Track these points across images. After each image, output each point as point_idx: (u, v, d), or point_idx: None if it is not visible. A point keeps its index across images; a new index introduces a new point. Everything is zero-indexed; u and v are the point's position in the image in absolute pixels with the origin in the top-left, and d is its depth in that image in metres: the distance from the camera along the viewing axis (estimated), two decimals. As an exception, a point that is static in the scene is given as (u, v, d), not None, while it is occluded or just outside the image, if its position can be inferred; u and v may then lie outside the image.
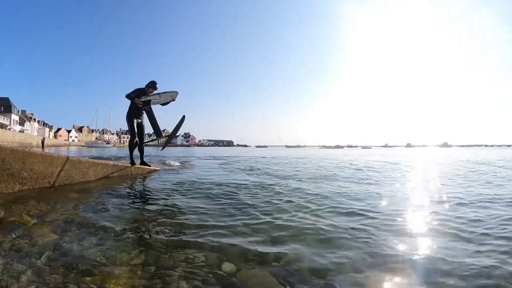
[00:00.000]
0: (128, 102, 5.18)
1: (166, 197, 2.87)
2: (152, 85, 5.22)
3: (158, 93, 5.04)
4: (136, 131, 5.22)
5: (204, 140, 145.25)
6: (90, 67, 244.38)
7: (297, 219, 2.12)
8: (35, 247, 1.55)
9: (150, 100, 5.01)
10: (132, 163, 5.06)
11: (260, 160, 8.81)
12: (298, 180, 4.26)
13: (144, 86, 5.22)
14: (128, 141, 5.40)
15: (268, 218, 2.14)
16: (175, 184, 3.67)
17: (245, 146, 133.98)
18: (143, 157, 5.42)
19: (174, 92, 5.19)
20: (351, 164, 7.31)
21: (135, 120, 5.19)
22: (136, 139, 5.24)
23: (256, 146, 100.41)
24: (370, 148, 70.04)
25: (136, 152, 5.32)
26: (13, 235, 1.69)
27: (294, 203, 2.64)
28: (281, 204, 2.62)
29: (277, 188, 3.43)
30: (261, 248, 1.60)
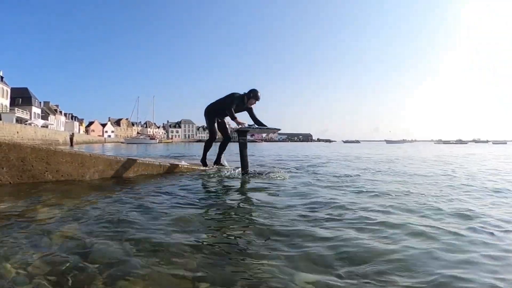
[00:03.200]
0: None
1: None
2: (254, 95, 5.47)
3: (259, 128, 5.41)
4: (217, 130, 5.77)
5: (275, 133, 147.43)
6: (125, 49, 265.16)
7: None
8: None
9: (246, 131, 5.36)
10: (204, 164, 5.67)
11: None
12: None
13: (241, 93, 5.52)
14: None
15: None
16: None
17: (328, 141, 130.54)
18: (220, 156, 5.87)
19: (276, 129, 5.68)
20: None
21: (216, 119, 5.73)
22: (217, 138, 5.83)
23: (344, 141, 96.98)
24: (506, 143, 61.86)
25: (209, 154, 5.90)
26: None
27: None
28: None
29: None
30: None
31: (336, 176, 5.18)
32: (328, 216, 2.51)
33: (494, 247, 1.86)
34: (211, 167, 5.60)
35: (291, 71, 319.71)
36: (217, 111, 5.63)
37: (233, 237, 2.06)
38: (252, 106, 5.57)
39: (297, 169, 6.44)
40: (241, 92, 5.53)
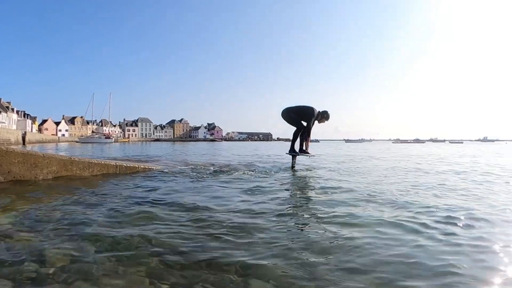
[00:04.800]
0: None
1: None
2: (327, 117, 6.91)
3: (308, 154, 7.00)
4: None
5: (234, 132, 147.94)
6: (80, 42, 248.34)
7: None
8: None
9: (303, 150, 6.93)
10: (293, 150, 7.02)
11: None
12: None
13: (316, 109, 6.76)
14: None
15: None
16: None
17: (289, 140, 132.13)
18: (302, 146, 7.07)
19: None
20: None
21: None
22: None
23: None
24: (462, 142, 66.17)
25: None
26: None
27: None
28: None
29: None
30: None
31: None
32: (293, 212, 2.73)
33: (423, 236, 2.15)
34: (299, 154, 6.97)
35: (252, 70, 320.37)
36: (297, 112, 6.87)
37: (191, 237, 2.10)
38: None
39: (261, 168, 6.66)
40: (317, 109, 6.79)
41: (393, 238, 2.08)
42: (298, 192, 3.90)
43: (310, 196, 3.59)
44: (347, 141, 77.46)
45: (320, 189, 3.96)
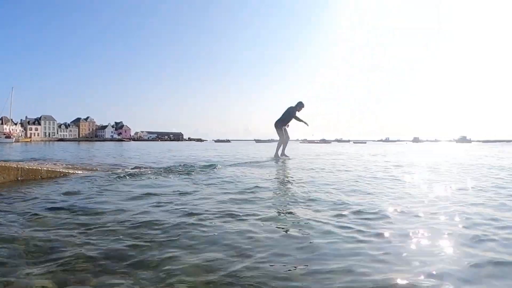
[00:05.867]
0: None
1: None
2: (303, 105, 9.99)
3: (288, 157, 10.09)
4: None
5: (143, 132, 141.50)
6: None
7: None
8: None
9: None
10: (277, 157, 9.91)
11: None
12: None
13: (293, 105, 9.94)
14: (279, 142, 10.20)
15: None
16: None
17: (200, 140, 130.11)
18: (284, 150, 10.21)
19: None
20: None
21: (284, 127, 10.02)
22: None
23: (215, 141, 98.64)
24: (365, 143, 72.82)
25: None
26: None
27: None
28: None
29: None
30: None
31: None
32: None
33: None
34: (277, 158, 9.87)
35: (162, 68, 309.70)
36: (284, 121, 9.96)
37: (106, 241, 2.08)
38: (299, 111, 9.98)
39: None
40: (293, 105, 9.94)
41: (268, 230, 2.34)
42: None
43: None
44: (257, 141, 79.42)
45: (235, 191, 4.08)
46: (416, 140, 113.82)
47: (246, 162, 8.45)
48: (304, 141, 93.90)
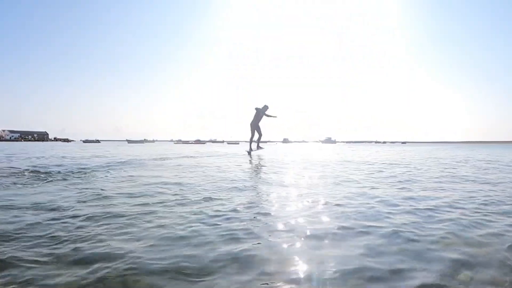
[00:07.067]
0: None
1: None
2: (268, 106, 13.08)
3: (262, 148, 14.34)
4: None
5: (4, 131, 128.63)
6: None
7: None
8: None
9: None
10: (251, 150, 13.65)
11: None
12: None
13: (261, 107, 13.02)
14: (251, 138, 13.35)
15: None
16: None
17: (67, 140, 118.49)
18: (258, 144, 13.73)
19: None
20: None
21: (258, 125, 13.21)
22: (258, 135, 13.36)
23: (84, 141, 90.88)
24: (238, 143, 73.92)
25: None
26: None
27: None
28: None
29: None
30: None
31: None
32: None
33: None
34: (251, 150, 13.54)
35: (25, 63, 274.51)
36: (257, 119, 12.89)
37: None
38: (267, 112, 12.90)
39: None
40: (260, 106, 12.82)
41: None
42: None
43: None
44: (129, 141, 76.73)
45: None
46: (285, 141, 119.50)
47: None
48: (179, 141, 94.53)
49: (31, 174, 6.03)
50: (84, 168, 7.07)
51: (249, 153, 13.60)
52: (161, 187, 4.58)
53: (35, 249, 2.08)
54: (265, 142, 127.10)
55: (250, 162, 10.25)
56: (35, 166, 7.28)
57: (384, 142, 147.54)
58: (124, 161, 9.35)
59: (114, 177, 5.79)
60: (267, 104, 12.88)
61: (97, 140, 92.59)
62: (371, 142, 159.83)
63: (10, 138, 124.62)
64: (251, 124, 12.98)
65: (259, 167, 8.33)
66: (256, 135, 13.21)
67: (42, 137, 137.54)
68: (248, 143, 13.77)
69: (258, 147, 13.62)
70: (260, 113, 12.85)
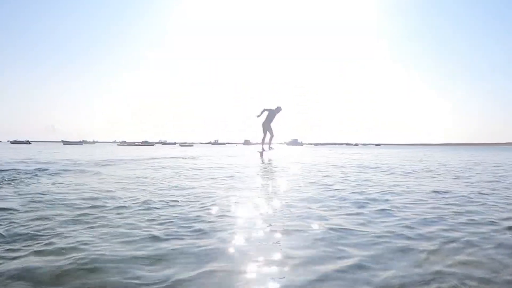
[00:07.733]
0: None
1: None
2: (281, 109, 13.54)
3: (272, 148, 14.82)
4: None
5: None
6: None
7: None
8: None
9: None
10: (263, 149, 13.91)
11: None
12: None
13: (273, 108, 13.49)
14: (263, 139, 13.71)
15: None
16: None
17: (20, 142, 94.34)
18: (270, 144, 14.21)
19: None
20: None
21: (269, 124, 13.58)
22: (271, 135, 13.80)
23: (12, 142, 79.46)
24: (192, 146, 71.15)
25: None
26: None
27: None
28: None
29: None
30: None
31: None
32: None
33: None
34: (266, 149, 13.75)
35: None
36: (269, 120, 13.23)
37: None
38: (278, 113, 13.34)
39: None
40: (273, 108, 13.27)
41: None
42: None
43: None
44: (65, 142, 68.92)
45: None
46: (246, 142, 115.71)
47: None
48: (123, 143, 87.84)
49: None
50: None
51: (261, 153, 13.25)
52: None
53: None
54: (224, 144, 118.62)
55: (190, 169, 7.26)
56: None
57: (356, 144, 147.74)
58: (58, 168, 6.71)
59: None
60: (280, 106, 13.24)
61: (28, 141, 79.60)
62: (341, 144, 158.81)
63: None
64: (263, 125, 13.16)
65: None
66: (268, 136, 13.49)
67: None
68: (260, 144, 13.96)
69: (270, 148, 13.99)
70: (272, 114, 13.07)
